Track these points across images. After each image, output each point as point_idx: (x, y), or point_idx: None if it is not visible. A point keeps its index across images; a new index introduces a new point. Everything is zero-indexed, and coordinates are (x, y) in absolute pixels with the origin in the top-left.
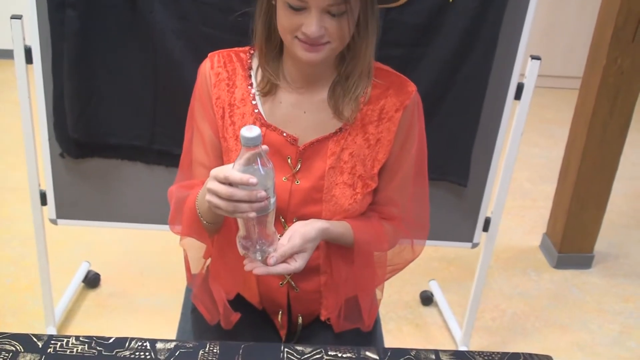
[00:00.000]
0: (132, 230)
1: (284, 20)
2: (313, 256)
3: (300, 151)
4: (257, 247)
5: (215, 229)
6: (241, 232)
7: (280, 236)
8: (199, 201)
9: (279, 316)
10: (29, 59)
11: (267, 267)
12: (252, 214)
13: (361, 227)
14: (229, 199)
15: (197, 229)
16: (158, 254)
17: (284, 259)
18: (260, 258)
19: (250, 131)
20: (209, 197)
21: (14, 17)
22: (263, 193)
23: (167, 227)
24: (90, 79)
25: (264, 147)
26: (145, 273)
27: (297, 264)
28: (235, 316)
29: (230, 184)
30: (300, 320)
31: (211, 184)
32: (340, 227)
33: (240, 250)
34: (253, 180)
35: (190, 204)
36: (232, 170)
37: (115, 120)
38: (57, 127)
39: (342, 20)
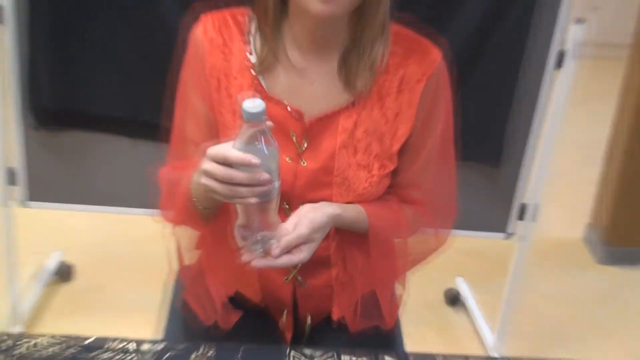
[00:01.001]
0: (112, 215)
1: None
2: (322, 246)
3: (306, 127)
4: (258, 237)
5: (212, 215)
6: (240, 220)
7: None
8: (194, 184)
9: (284, 316)
10: (0, 18)
11: (268, 259)
12: (253, 200)
13: (377, 211)
14: (227, 181)
15: (191, 216)
16: (142, 242)
17: (289, 250)
18: (260, 250)
19: (254, 104)
20: (204, 179)
21: None
22: (266, 176)
23: (152, 211)
24: (70, 42)
25: (269, 123)
26: (126, 264)
27: (302, 255)
28: (236, 315)
29: (229, 164)
30: (308, 320)
31: (207, 165)
32: (353, 212)
33: (238, 241)
34: (255, 160)
35: (184, 187)
36: (231, 149)
37: (97, 89)
38: (31, 95)
39: None
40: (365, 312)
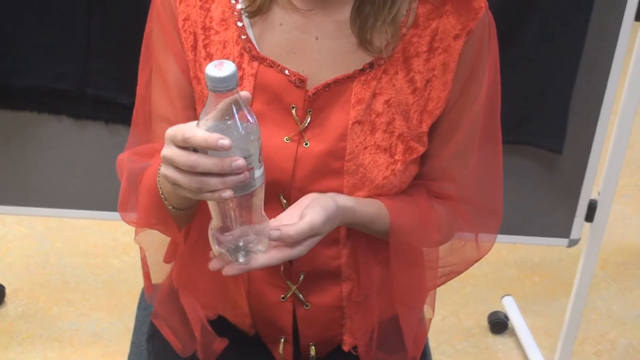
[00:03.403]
0: (54, 220)
1: None
2: (331, 254)
3: (310, 97)
4: (240, 243)
5: (187, 216)
6: (215, 221)
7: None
8: (161, 176)
9: (281, 346)
10: None
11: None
12: (227, 194)
13: (400, 208)
14: (190, 170)
15: (159, 217)
16: (93, 255)
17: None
18: (242, 260)
19: (221, 68)
20: (164, 169)
21: None
22: (241, 161)
23: (108, 214)
24: None
25: (244, 93)
26: (73, 284)
27: (296, 249)
28: (221, 343)
29: (192, 148)
30: (312, 350)
31: (166, 150)
32: (370, 207)
33: (214, 249)
34: (224, 142)
35: (150, 180)
36: (192, 128)
37: (30, 53)
38: None
39: None
40: (384, 342)
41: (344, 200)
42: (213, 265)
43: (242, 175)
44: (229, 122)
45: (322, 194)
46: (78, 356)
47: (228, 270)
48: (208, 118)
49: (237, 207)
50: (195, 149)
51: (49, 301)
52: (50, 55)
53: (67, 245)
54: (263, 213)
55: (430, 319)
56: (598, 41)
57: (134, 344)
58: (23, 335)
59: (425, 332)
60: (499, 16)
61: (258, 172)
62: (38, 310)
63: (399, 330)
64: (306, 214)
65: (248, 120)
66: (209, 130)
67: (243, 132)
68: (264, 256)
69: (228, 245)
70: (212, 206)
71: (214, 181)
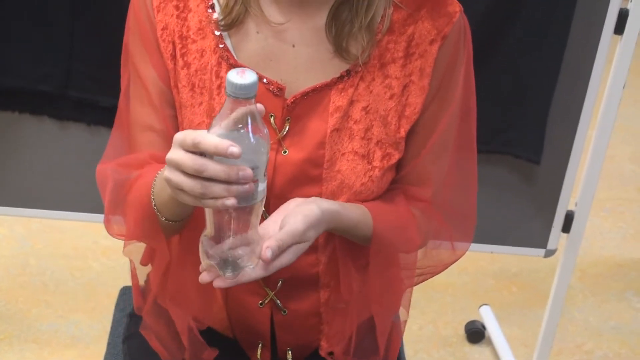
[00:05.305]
0: (34, 222)
1: None
2: (309, 262)
3: (288, 106)
4: (229, 257)
5: (178, 227)
6: (208, 230)
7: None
8: (158, 188)
9: (258, 351)
10: None
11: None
12: (231, 201)
13: (382, 213)
14: (196, 174)
15: (150, 229)
16: (73, 257)
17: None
18: (230, 274)
19: (243, 75)
20: (168, 172)
21: None
22: (249, 171)
23: (88, 215)
24: None
25: (259, 105)
26: (52, 286)
27: (284, 257)
28: (211, 353)
29: (201, 153)
30: (289, 356)
31: (172, 153)
32: (354, 212)
33: (203, 260)
34: (234, 149)
35: (141, 191)
36: (205, 133)
37: (12, 54)
38: None
39: None
40: (359, 348)
41: (328, 204)
42: (203, 278)
43: (247, 186)
44: (241, 131)
45: (306, 200)
46: (56, 357)
47: (218, 283)
48: (221, 124)
49: (234, 219)
50: (202, 154)
51: (28, 302)
52: (32, 56)
53: (47, 247)
54: (258, 230)
55: (405, 321)
56: (577, 53)
57: (110, 344)
58: (1, 336)
59: (400, 336)
60: (479, 26)
61: (261, 186)
62: (17, 311)
63: (374, 335)
64: (287, 222)
65: (260, 132)
66: (220, 136)
67: (254, 142)
68: (254, 271)
69: (217, 258)
70: (208, 215)
71: (219, 188)
